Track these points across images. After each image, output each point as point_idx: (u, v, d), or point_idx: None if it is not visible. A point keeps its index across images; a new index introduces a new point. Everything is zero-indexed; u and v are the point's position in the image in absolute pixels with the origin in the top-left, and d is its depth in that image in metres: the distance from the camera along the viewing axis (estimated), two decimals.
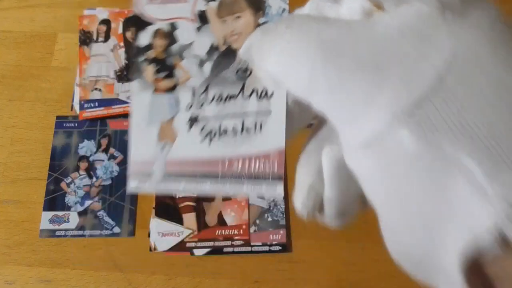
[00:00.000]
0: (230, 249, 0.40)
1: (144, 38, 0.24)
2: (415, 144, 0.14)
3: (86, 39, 0.48)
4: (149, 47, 0.23)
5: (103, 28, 0.48)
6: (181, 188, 0.21)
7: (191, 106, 0.22)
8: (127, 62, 0.47)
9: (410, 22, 0.15)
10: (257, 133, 0.21)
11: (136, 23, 0.24)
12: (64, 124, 0.45)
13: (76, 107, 0.46)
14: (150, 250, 0.40)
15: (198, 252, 0.40)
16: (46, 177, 0.43)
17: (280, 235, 0.41)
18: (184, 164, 0.22)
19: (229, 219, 0.41)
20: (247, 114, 0.21)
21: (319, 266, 0.40)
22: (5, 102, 0.47)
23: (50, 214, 0.42)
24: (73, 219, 0.42)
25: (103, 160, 0.44)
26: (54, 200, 0.43)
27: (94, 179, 0.43)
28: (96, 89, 0.46)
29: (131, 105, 0.22)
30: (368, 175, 0.16)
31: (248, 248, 0.40)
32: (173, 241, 0.41)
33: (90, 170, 0.44)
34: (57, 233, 0.41)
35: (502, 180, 0.13)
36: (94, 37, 0.48)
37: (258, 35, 0.18)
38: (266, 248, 0.40)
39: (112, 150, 0.44)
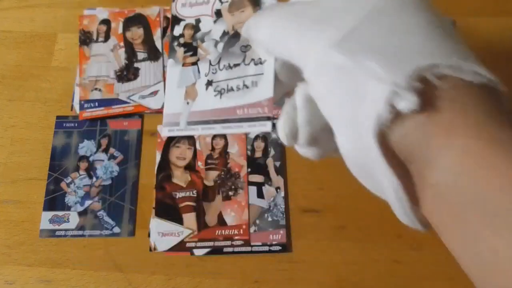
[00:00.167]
0: (230, 249, 0.40)
1: (177, 30, 0.34)
2: (343, 61, 0.21)
3: (86, 39, 0.48)
4: (181, 36, 0.34)
5: (103, 28, 0.48)
6: (200, 131, 0.31)
7: (207, 74, 0.32)
8: (127, 62, 0.47)
9: None
10: (253, 88, 0.30)
11: (172, 20, 0.35)
12: (64, 124, 0.45)
13: (76, 107, 0.46)
14: (150, 250, 0.40)
15: (198, 252, 0.40)
16: (46, 177, 0.43)
17: (280, 235, 0.41)
18: (202, 114, 0.31)
19: (229, 219, 0.41)
20: (247, 76, 0.30)
21: (319, 266, 0.40)
22: (5, 102, 0.47)
23: (50, 214, 0.42)
24: (73, 219, 0.42)
25: (103, 160, 0.44)
26: (54, 200, 0.43)
27: (94, 179, 0.43)
28: (96, 89, 0.46)
29: (167, 74, 0.33)
30: (320, 94, 0.23)
31: (248, 248, 0.40)
32: (173, 241, 0.41)
33: (90, 170, 0.44)
34: (57, 233, 0.41)
35: (390, 71, 0.20)
36: (94, 37, 0.48)
37: (252, 19, 0.27)
38: (266, 248, 0.40)
39: (112, 150, 0.44)
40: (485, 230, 0.19)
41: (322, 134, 0.25)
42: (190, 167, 0.43)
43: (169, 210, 0.42)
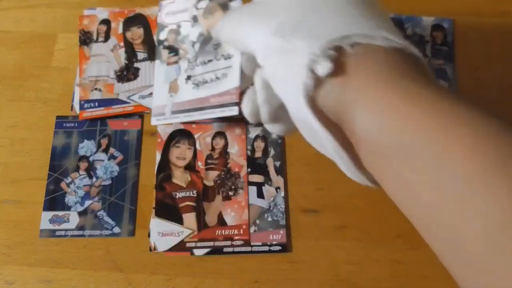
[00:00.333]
0: (230, 249, 0.40)
1: (162, 35, 0.41)
2: (279, 43, 0.26)
3: (86, 39, 0.48)
4: (165, 40, 0.41)
5: (103, 28, 0.48)
6: (181, 119, 0.38)
7: (187, 70, 0.38)
8: (127, 62, 0.47)
9: None
10: (223, 79, 0.35)
11: (158, 27, 0.42)
12: (64, 124, 0.45)
13: (76, 107, 0.46)
14: (150, 250, 0.40)
15: (198, 252, 0.40)
16: (46, 177, 0.43)
17: (280, 235, 0.41)
18: (183, 104, 0.37)
19: (229, 219, 0.41)
20: (218, 69, 0.36)
21: (319, 266, 0.40)
22: (5, 102, 0.47)
23: (50, 214, 0.42)
24: (73, 219, 0.42)
25: (103, 160, 0.44)
26: (54, 200, 0.43)
27: (94, 179, 0.43)
28: (96, 89, 0.46)
29: (155, 73, 0.41)
30: (269, 74, 0.27)
31: (248, 248, 0.40)
32: (173, 241, 0.41)
33: (90, 170, 0.44)
34: (57, 233, 0.41)
35: (311, 44, 0.24)
36: (94, 37, 0.48)
37: (220, 23, 0.31)
38: (266, 248, 0.40)
39: (112, 150, 0.44)
40: (404, 167, 0.22)
41: (281, 111, 0.29)
42: (190, 167, 0.43)
43: (169, 210, 0.42)
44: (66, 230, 0.42)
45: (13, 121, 0.46)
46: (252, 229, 0.41)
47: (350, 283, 0.39)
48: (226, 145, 0.44)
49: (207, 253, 0.40)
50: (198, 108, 0.36)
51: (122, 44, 0.47)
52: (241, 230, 0.41)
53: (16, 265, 0.41)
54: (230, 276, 0.40)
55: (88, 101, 0.45)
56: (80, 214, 0.42)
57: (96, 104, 0.45)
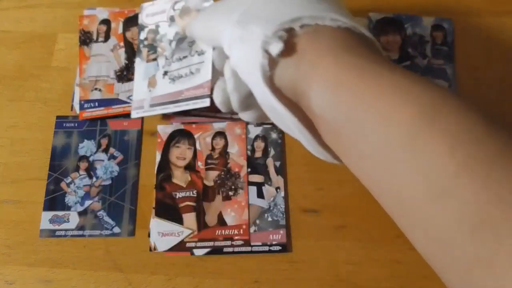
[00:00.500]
0: (230, 249, 0.40)
1: (143, 34, 0.44)
2: (240, 31, 0.28)
3: (86, 39, 0.48)
4: (145, 39, 0.43)
5: (103, 28, 0.48)
6: (158, 111, 0.40)
7: (164, 66, 0.41)
8: (127, 62, 0.47)
9: None
10: (197, 74, 0.38)
11: (139, 26, 0.45)
12: (64, 124, 0.45)
13: (76, 107, 0.46)
14: (150, 250, 0.40)
15: (198, 252, 0.40)
16: (46, 177, 0.43)
17: (280, 235, 0.41)
18: (160, 97, 0.40)
19: (229, 219, 0.41)
20: (192, 64, 0.39)
21: (319, 266, 0.40)
22: (5, 102, 0.47)
23: (50, 214, 0.42)
24: (73, 219, 0.42)
25: (103, 160, 0.44)
26: (54, 200, 0.43)
27: (94, 179, 0.43)
28: (96, 89, 0.46)
29: (135, 70, 0.43)
30: (235, 63, 0.29)
31: (248, 248, 0.40)
32: (173, 241, 0.41)
33: (90, 170, 0.44)
34: (57, 233, 0.41)
35: (266, 28, 0.26)
36: (94, 37, 0.48)
37: (192, 21, 0.35)
38: (266, 248, 0.40)
39: (112, 150, 0.44)
40: (356, 139, 0.24)
41: (251, 99, 0.31)
42: (190, 167, 0.43)
43: (169, 210, 0.42)
44: (66, 230, 0.42)
45: (13, 121, 0.46)
46: (252, 229, 0.41)
47: (350, 283, 0.39)
48: (226, 145, 0.44)
49: (207, 253, 0.40)
50: (174, 101, 0.39)
51: (122, 44, 0.47)
52: (241, 230, 0.41)
53: (16, 265, 0.41)
54: (230, 276, 0.40)
55: (88, 101, 0.45)
56: (80, 214, 0.42)
57: (96, 104, 0.45)
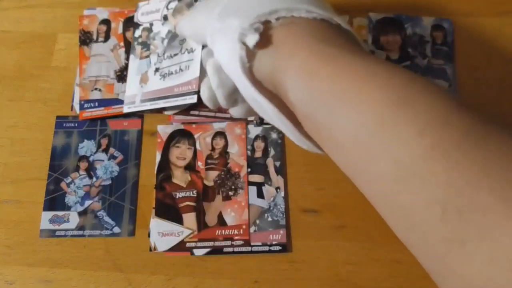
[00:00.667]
0: (230, 249, 0.40)
1: (137, 32, 0.45)
2: (219, 25, 0.29)
3: (86, 39, 0.48)
4: (139, 37, 0.45)
5: (103, 28, 0.48)
6: (148, 106, 0.42)
7: (156, 63, 0.43)
8: (127, 62, 0.47)
9: None
10: (186, 71, 0.40)
11: (134, 25, 0.46)
12: (64, 124, 0.45)
13: (76, 107, 0.46)
14: (150, 250, 0.40)
15: (198, 252, 0.40)
16: (46, 177, 0.43)
17: (280, 235, 0.41)
18: (151, 93, 0.42)
19: (229, 219, 0.41)
20: (182, 62, 0.41)
21: (319, 266, 0.40)
22: (5, 102, 0.47)
23: (50, 214, 0.42)
24: (73, 219, 0.42)
25: (103, 160, 0.44)
26: (54, 200, 0.43)
27: (94, 179, 0.43)
28: (96, 89, 0.46)
29: (129, 66, 0.45)
30: (218, 58, 0.30)
31: (248, 248, 0.40)
32: (173, 241, 0.41)
33: (90, 170, 0.44)
34: (57, 233, 0.41)
35: (243, 21, 0.28)
36: (94, 37, 0.48)
37: (182, 20, 0.36)
38: (266, 248, 0.40)
39: (112, 150, 0.44)
40: (331, 126, 0.25)
41: (236, 94, 0.32)
42: (190, 167, 0.43)
43: (169, 210, 0.42)
44: (66, 230, 0.42)
45: (13, 121, 0.46)
46: (252, 229, 0.41)
47: (350, 283, 0.39)
48: (226, 145, 0.44)
49: (207, 253, 0.40)
50: (164, 97, 0.41)
51: (122, 44, 0.47)
52: (241, 230, 0.41)
53: (16, 265, 0.41)
54: (230, 276, 0.40)
55: (88, 101, 0.45)
56: (80, 214, 0.42)
57: (96, 104, 0.45)
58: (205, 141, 0.44)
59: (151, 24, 0.44)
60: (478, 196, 0.19)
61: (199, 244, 0.41)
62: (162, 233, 0.41)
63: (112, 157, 0.44)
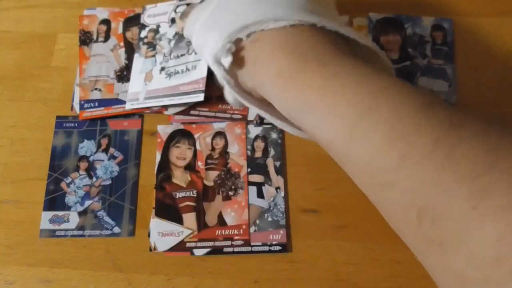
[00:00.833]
0: (230, 249, 0.40)
1: (143, 33, 0.46)
2: (198, 40, 0.33)
3: (86, 39, 0.48)
4: (145, 37, 0.46)
5: (103, 28, 0.48)
6: (152, 104, 0.43)
7: (161, 62, 0.44)
8: (127, 62, 0.47)
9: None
10: (193, 71, 0.41)
11: (140, 26, 0.47)
12: (64, 124, 0.45)
13: (76, 107, 0.46)
14: (150, 250, 0.40)
15: (198, 252, 0.40)
16: (46, 177, 0.43)
17: (280, 235, 0.41)
18: (155, 91, 0.43)
19: (229, 219, 0.41)
20: (189, 62, 0.42)
21: (319, 266, 0.40)
22: (5, 102, 0.47)
23: (50, 214, 0.42)
24: (73, 219, 0.42)
25: (103, 160, 0.44)
26: (54, 200, 0.43)
27: (94, 179, 0.43)
28: (96, 89, 0.46)
29: (133, 65, 0.46)
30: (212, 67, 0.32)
31: (248, 248, 0.40)
32: (173, 241, 0.41)
33: (90, 170, 0.44)
34: (57, 233, 0.41)
35: (219, 39, 0.30)
36: (94, 37, 0.48)
37: (186, 25, 0.36)
38: (266, 248, 0.40)
39: (112, 150, 0.44)
40: (305, 123, 0.27)
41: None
42: (190, 167, 0.43)
43: (169, 210, 0.42)
44: (66, 230, 0.42)
45: (13, 121, 0.46)
46: (252, 229, 0.41)
47: (350, 283, 0.39)
48: (226, 145, 0.44)
49: (207, 253, 0.40)
50: (169, 95, 0.42)
51: (122, 44, 0.47)
52: (241, 230, 0.41)
53: (16, 265, 0.41)
54: (230, 276, 0.40)
55: (88, 101, 0.45)
56: (80, 214, 0.42)
57: (96, 104, 0.45)
58: (205, 141, 0.44)
59: (158, 26, 0.46)
60: (451, 203, 0.20)
61: (199, 244, 0.41)
62: (162, 233, 0.41)
63: (112, 157, 0.44)
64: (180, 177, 0.43)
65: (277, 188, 0.42)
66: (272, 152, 0.43)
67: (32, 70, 0.48)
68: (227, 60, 0.30)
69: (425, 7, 0.48)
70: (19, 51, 0.48)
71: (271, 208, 0.42)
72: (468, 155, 0.20)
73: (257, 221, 0.41)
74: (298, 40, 0.28)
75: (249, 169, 0.43)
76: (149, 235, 0.41)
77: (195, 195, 0.42)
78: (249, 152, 0.44)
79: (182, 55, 0.43)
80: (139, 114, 0.45)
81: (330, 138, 0.25)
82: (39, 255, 0.41)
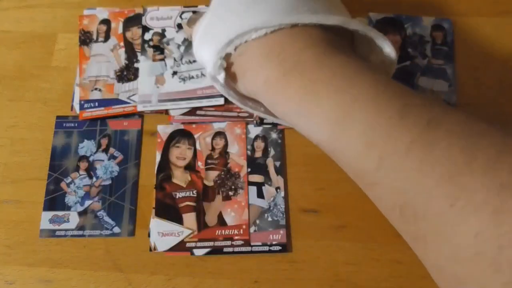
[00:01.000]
0: (230, 249, 0.40)
1: (147, 35, 0.47)
2: (197, 52, 0.35)
3: (86, 39, 0.48)
4: (150, 40, 0.47)
5: (103, 28, 0.48)
6: (168, 107, 0.44)
7: (173, 67, 0.45)
8: (127, 62, 0.47)
9: None
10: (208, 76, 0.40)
11: (143, 28, 0.48)
12: (64, 124, 0.45)
13: (76, 107, 0.46)
14: (150, 250, 0.40)
15: (198, 252, 0.40)
16: (46, 177, 0.43)
17: (280, 235, 0.41)
18: (170, 94, 0.44)
19: (229, 219, 0.41)
20: (203, 68, 0.43)
21: (319, 266, 0.40)
22: (5, 102, 0.47)
23: (50, 214, 0.42)
24: (73, 219, 0.42)
25: (103, 160, 0.44)
26: (54, 200, 0.43)
27: (94, 179, 0.43)
28: (96, 89, 0.46)
29: (140, 67, 0.46)
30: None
31: (248, 248, 0.40)
32: (173, 241, 0.41)
33: (90, 170, 0.44)
34: (57, 233, 0.41)
35: (212, 54, 0.31)
36: (94, 37, 0.48)
37: (193, 35, 0.37)
38: (266, 248, 0.40)
39: (112, 150, 0.44)
40: (295, 123, 0.28)
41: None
42: (190, 167, 0.43)
43: (169, 210, 0.42)
44: (66, 230, 0.42)
45: (13, 121, 0.46)
46: (252, 229, 0.41)
47: (350, 283, 0.39)
48: (226, 145, 0.44)
49: (207, 253, 0.40)
50: (186, 98, 0.44)
51: (122, 44, 0.47)
52: (241, 230, 0.41)
53: (16, 265, 0.41)
54: (230, 276, 0.40)
55: (88, 101, 0.45)
56: (80, 214, 0.42)
57: (96, 104, 0.45)
58: (205, 141, 0.44)
59: (163, 30, 0.47)
60: (429, 202, 0.21)
61: (199, 244, 0.41)
62: (162, 233, 0.41)
63: (112, 157, 0.44)
64: (180, 177, 0.43)
65: (277, 188, 0.42)
66: (272, 152, 0.43)
67: (32, 70, 0.48)
68: (221, 77, 0.31)
69: (425, 7, 0.48)
70: (19, 51, 0.48)
71: (271, 208, 0.42)
72: (444, 154, 0.21)
73: (257, 221, 0.41)
74: (280, 47, 0.28)
75: (249, 169, 0.43)
76: (149, 235, 0.41)
77: (195, 195, 0.42)
78: (249, 152, 0.44)
79: (195, 61, 0.45)
80: (139, 114, 0.45)
81: (317, 141, 0.27)
82: (39, 255, 0.41)
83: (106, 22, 0.48)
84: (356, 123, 0.24)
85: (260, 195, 0.42)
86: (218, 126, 0.44)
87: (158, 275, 0.40)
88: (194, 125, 0.44)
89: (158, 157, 0.44)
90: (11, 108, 0.46)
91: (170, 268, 0.40)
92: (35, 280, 0.40)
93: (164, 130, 0.44)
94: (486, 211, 0.19)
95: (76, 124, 0.45)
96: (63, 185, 0.43)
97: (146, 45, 0.46)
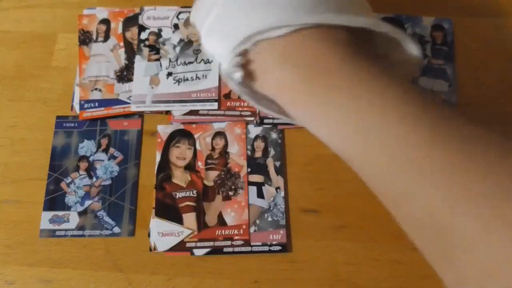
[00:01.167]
0: (230, 249, 0.40)
1: (143, 35, 0.47)
2: (207, 48, 0.32)
3: (85, 38, 0.48)
4: (146, 39, 0.47)
5: (103, 27, 0.48)
6: (162, 108, 0.44)
7: (168, 67, 0.45)
8: (127, 62, 0.47)
9: None
10: (204, 79, 0.44)
11: (140, 27, 0.47)
12: (64, 124, 0.45)
13: (76, 107, 0.46)
14: (150, 250, 0.40)
15: (198, 252, 0.40)
16: (46, 177, 0.43)
17: (280, 235, 0.41)
18: (164, 95, 0.44)
19: (229, 219, 0.41)
20: (199, 70, 0.44)
21: (319, 266, 0.40)
22: (5, 102, 0.47)
23: (50, 214, 0.42)
24: (73, 219, 0.42)
25: (103, 160, 0.44)
26: (54, 200, 0.43)
27: (94, 179, 0.43)
28: (96, 89, 0.46)
29: (135, 66, 0.46)
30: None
31: (248, 248, 0.40)
32: (173, 241, 0.41)
33: (90, 170, 0.44)
34: (57, 233, 0.41)
35: (227, 49, 0.29)
36: (94, 37, 0.48)
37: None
38: (266, 248, 0.40)
39: (112, 150, 0.44)
40: (306, 117, 0.28)
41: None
42: (190, 167, 0.43)
43: (169, 210, 0.42)
44: (66, 230, 0.42)
45: (13, 121, 0.46)
46: (252, 229, 0.41)
47: (350, 283, 0.39)
48: (226, 145, 0.44)
49: (207, 253, 0.40)
50: (179, 100, 0.43)
51: (121, 44, 0.47)
52: (241, 230, 0.41)
53: (16, 265, 0.41)
54: (230, 276, 0.40)
55: (88, 101, 0.45)
56: (80, 214, 0.42)
57: (96, 104, 0.45)
58: (205, 141, 0.44)
59: (160, 30, 0.46)
60: (464, 222, 0.21)
61: (199, 244, 0.41)
62: (162, 233, 0.41)
63: (112, 157, 0.44)
64: (180, 177, 0.43)
65: (277, 188, 0.42)
66: (272, 152, 0.43)
67: (32, 70, 0.48)
68: (238, 75, 0.29)
69: (425, 7, 0.48)
70: (19, 51, 0.48)
71: (271, 208, 0.42)
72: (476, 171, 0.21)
73: (257, 221, 0.41)
74: (301, 48, 0.27)
75: (249, 169, 0.43)
76: (149, 235, 0.41)
77: (195, 195, 0.42)
78: (249, 152, 0.44)
79: (190, 62, 0.44)
80: (139, 114, 0.45)
81: (336, 150, 0.27)
82: (39, 255, 0.41)
83: (105, 22, 0.48)
84: (372, 134, 0.24)
85: (260, 195, 0.42)
86: (218, 126, 0.44)
87: (158, 275, 0.40)
88: (194, 125, 0.44)
89: (158, 157, 0.44)
90: (11, 108, 0.46)
91: (170, 268, 0.40)
92: (35, 280, 0.40)
93: (164, 130, 0.44)
94: None
95: (76, 124, 0.45)
96: (63, 185, 0.43)
97: (142, 45, 0.46)
